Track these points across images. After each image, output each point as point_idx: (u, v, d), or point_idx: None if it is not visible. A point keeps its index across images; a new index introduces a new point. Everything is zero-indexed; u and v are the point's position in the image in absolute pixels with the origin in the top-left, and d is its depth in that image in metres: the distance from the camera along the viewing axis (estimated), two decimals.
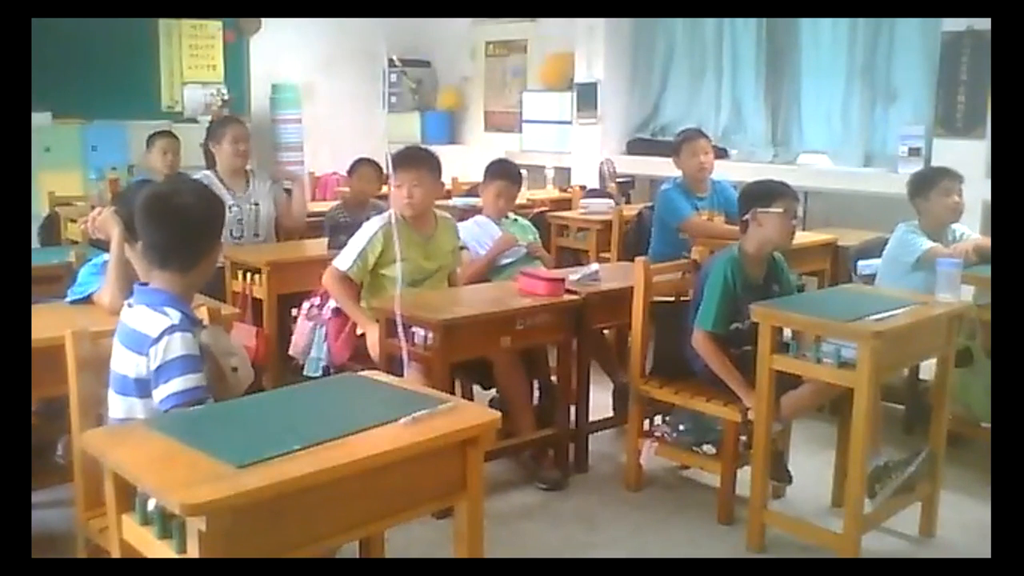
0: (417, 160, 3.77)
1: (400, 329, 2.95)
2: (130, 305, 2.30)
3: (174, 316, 2.21)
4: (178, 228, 2.31)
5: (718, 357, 3.30)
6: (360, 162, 5.17)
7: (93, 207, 3.74)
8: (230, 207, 4.57)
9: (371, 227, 3.69)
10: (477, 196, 5.01)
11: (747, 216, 3.38)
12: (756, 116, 6.84)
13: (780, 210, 3.34)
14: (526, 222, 4.66)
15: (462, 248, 4.17)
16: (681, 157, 5.02)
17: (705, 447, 3.48)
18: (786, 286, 3.50)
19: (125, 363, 2.23)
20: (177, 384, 2.14)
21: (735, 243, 3.48)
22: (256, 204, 4.70)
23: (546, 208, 6.24)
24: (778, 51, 6.69)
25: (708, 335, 3.32)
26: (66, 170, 7.13)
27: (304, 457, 1.84)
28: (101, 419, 2.35)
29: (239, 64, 8.53)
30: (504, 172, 4.49)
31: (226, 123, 4.84)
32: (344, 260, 3.67)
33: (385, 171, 5.01)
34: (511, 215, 4.57)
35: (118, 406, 2.25)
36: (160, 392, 2.15)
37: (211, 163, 4.78)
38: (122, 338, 2.26)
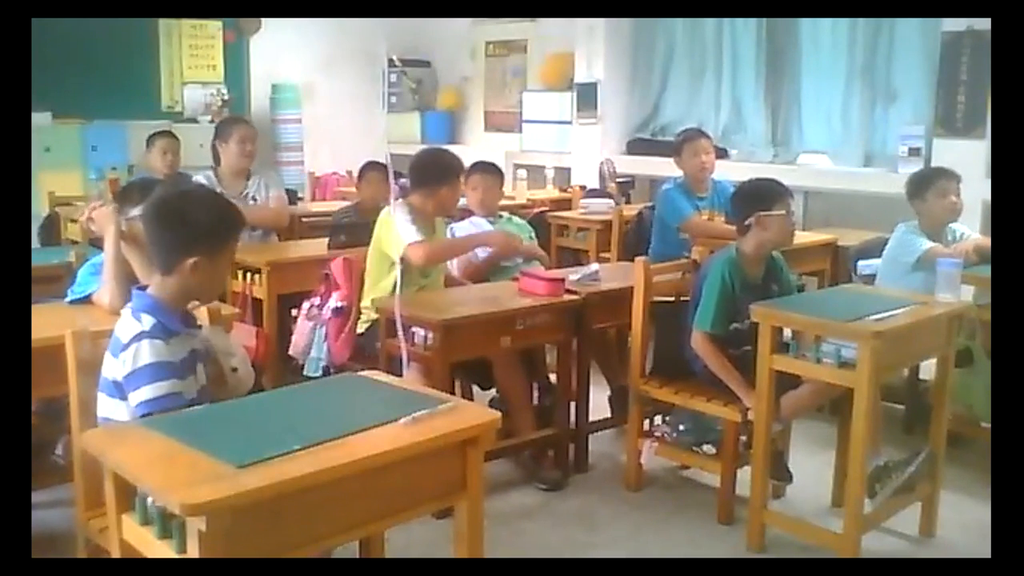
0: (461, 167, 3.97)
1: (400, 329, 2.95)
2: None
3: (146, 323, 2.20)
4: (174, 231, 2.27)
5: (717, 357, 3.30)
6: (369, 167, 5.14)
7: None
8: None
9: (396, 209, 3.67)
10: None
11: (748, 220, 3.37)
12: (756, 116, 6.84)
13: (782, 212, 3.34)
14: (522, 222, 4.66)
15: None
16: (683, 157, 5.03)
17: (705, 447, 3.48)
18: (786, 285, 3.50)
19: (106, 364, 2.25)
20: (146, 392, 2.14)
21: (733, 243, 3.48)
22: (254, 200, 4.70)
23: (546, 208, 6.24)
24: (778, 51, 6.69)
25: (707, 335, 3.32)
26: (66, 170, 7.12)
27: (304, 457, 1.84)
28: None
29: (239, 64, 8.53)
30: (478, 167, 4.51)
31: (234, 123, 4.83)
32: (412, 234, 3.63)
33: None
34: (506, 214, 4.57)
35: (102, 404, 2.27)
36: (132, 399, 2.16)
37: (219, 162, 4.77)
38: (111, 340, 2.27)
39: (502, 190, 4.63)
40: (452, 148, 8.50)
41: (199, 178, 4.58)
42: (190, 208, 2.29)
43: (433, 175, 3.82)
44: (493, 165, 4.65)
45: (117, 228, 2.91)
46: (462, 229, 4.32)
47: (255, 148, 4.73)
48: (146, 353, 2.16)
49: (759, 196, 3.40)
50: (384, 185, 5.09)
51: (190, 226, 2.26)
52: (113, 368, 2.22)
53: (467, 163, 4.77)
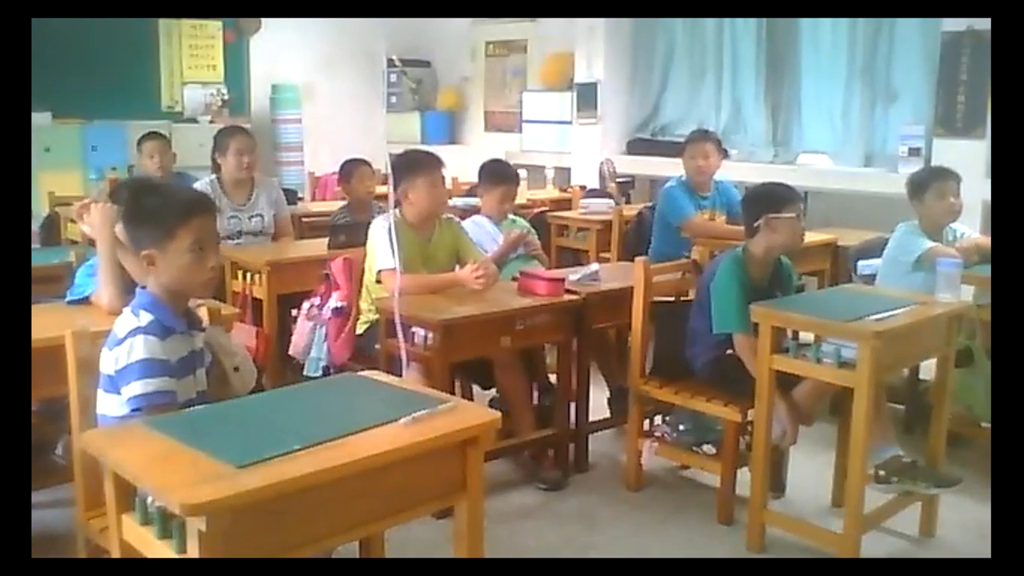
0: (437, 161, 3.82)
1: (400, 329, 2.95)
2: None
3: (143, 319, 2.21)
4: (128, 231, 2.37)
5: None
6: (353, 163, 5.10)
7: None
8: (230, 217, 4.61)
9: (382, 226, 3.63)
10: (476, 196, 5.00)
11: (757, 223, 3.36)
12: (756, 116, 6.85)
13: (792, 215, 3.34)
14: (524, 222, 4.65)
15: None
16: (685, 157, 5.06)
17: (705, 447, 3.48)
18: (788, 292, 3.48)
19: (103, 359, 2.26)
20: (136, 388, 2.14)
21: (738, 244, 3.47)
22: (259, 215, 4.71)
23: (546, 208, 6.24)
24: (778, 51, 6.70)
25: (747, 336, 3.23)
26: (66, 170, 7.14)
27: (304, 457, 1.84)
28: None
29: (239, 64, 8.54)
30: (505, 175, 4.46)
31: (230, 133, 4.77)
32: (388, 260, 3.52)
33: (383, 171, 5.01)
34: (510, 216, 4.56)
35: (100, 400, 2.27)
36: (124, 393, 2.17)
37: (219, 171, 4.76)
38: (109, 335, 2.28)
39: (514, 198, 4.60)
40: (452, 148, 8.57)
41: (197, 187, 4.55)
42: (132, 206, 2.37)
43: (402, 174, 3.70)
44: (515, 172, 4.61)
45: (112, 229, 2.90)
46: (466, 228, 4.31)
47: (253, 159, 4.69)
48: (139, 349, 2.17)
49: (769, 199, 3.39)
50: (373, 180, 5.11)
51: (133, 223, 2.35)
52: (108, 362, 2.22)
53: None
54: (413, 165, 3.74)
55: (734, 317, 3.28)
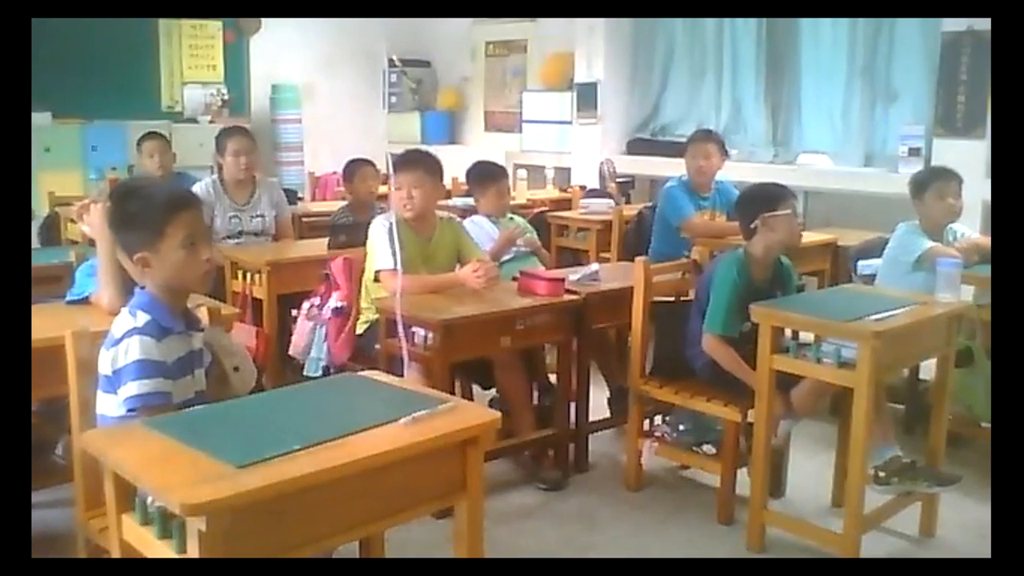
0: (416, 162, 3.75)
1: (400, 329, 2.95)
2: None
3: (140, 320, 2.21)
4: (117, 235, 2.37)
5: (730, 356, 3.27)
6: (356, 163, 5.12)
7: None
8: (231, 217, 4.63)
9: (382, 225, 3.62)
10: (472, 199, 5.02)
11: (754, 223, 3.37)
12: (756, 116, 6.85)
13: (788, 211, 3.35)
14: (523, 221, 4.66)
15: None
16: (687, 156, 5.07)
17: (705, 447, 3.48)
18: (788, 292, 3.49)
19: (100, 360, 2.26)
20: (132, 388, 2.15)
21: (740, 245, 3.47)
22: (260, 216, 4.71)
23: (546, 208, 6.24)
24: (778, 51, 6.70)
25: (718, 338, 3.30)
26: (66, 170, 7.14)
27: (304, 457, 1.84)
28: None
29: (239, 64, 8.54)
30: (495, 173, 4.52)
31: (229, 135, 4.78)
32: (386, 260, 3.53)
33: (384, 171, 5.03)
34: (508, 214, 4.57)
35: (99, 401, 2.28)
36: (120, 394, 2.17)
37: (220, 171, 4.77)
38: (107, 336, 2.28)
39: (508, 192, 4.63)
40: (452, 148, 8.58)
41: (197, 188, 4.54)
42: (118, 212, 2.35)
43: (394, 171, 3.66)
44: (502, 168, 4.65)
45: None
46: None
47: (252, 160, 4.69)
48: (135, 349, 2.17)
49: (763, 198, 3.41)
50: (376, 180, 5.12)
51: (121, 229, 2.34)
52: (105, 363, 2.22)
53: (466, 164, 4.81)
54: (393, 166, 3.69)
55: (718, 319, 3.30)
